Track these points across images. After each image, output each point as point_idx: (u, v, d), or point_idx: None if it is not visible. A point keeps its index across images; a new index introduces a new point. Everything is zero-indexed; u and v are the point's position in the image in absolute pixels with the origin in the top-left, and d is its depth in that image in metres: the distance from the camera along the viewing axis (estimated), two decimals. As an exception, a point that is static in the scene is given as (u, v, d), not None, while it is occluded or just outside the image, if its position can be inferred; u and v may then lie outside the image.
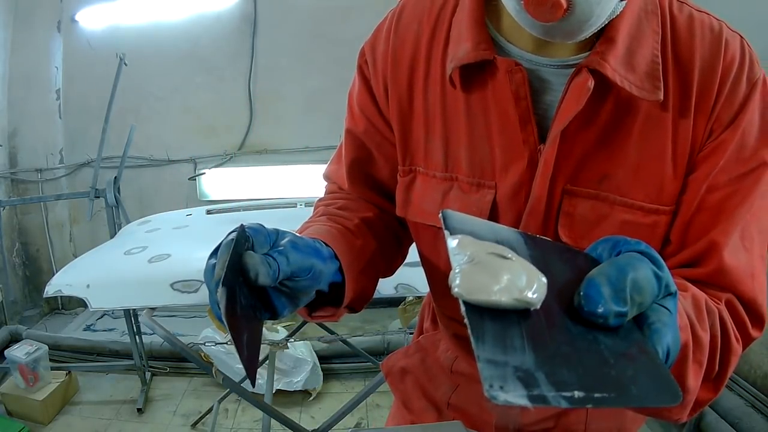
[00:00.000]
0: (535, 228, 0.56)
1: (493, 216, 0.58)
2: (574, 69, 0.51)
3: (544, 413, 0.71)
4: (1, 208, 2.61)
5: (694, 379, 0.44)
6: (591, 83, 0.49)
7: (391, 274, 0.74)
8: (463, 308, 0.34)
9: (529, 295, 0.34)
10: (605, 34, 0.50)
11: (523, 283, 0.35)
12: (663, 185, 0.53)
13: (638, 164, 0.53)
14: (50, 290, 1.26)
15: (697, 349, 0.44)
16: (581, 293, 0.35)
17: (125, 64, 2.44)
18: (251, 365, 0.45)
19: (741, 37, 0.53)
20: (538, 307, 0.35)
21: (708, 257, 0.52)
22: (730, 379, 2.17)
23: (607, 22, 0.49)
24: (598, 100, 0.51)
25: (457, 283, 0.35)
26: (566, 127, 0.52)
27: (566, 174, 0.54)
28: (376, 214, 0.69)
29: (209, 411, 2.27)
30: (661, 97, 0.50)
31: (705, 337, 0.45)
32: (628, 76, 0.49)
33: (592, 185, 0.54)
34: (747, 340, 0.51)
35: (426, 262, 0.72)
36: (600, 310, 0.34)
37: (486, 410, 0.73)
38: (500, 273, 0.35)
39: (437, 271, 0.70)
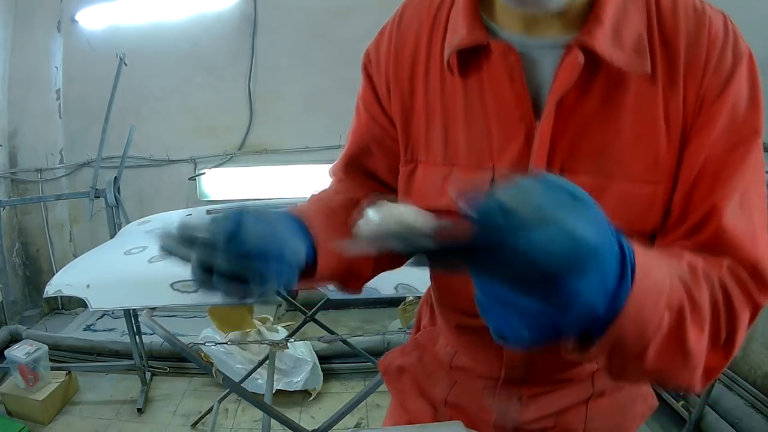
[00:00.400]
0: None
1: None
2: (564, 49, 0.54)
3: (543, 411, 0.71)
4: (1, 208, 2.61)
5: (696, 342, 0.45)
6: (581, 58, 0.52)
7: (399, 265, 0.74)
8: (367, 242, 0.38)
9: (419, 225, 0.37)
10: (592, 15, 0.53)
11: (415, 219, 0.38)
12: (658, 156, 0.55)
13: (633, 137, 0.54)
14: (50, 290, 1.26)
15: (695, 311, 0.45)
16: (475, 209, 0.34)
17: (125, 64, 2.44)
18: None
19: (724, 14, 0.55)
20: (427, 233, 0.35)
21: (707, 222, 0.53)
22: (730, 378, 2.17)
23: (593, 3, 0.53)
24: (589, 77, 0.54)
25: (360, 222, 0.39)
26: (561, 104, 0.54)
27: (564, 151, 0.56)
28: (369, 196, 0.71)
29: (209, 411, 2.27)
30: (649, 70, 0.52)
31: (703, 300, 0.46)
32: (616, 52, 0.52)
33: (589, 160, 0.56)
34: (754, 306, 0.51)
35: None
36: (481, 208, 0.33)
37: (484, 408, 0.74)
38: (397, 215, 0.39)
39: None
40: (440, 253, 0.34)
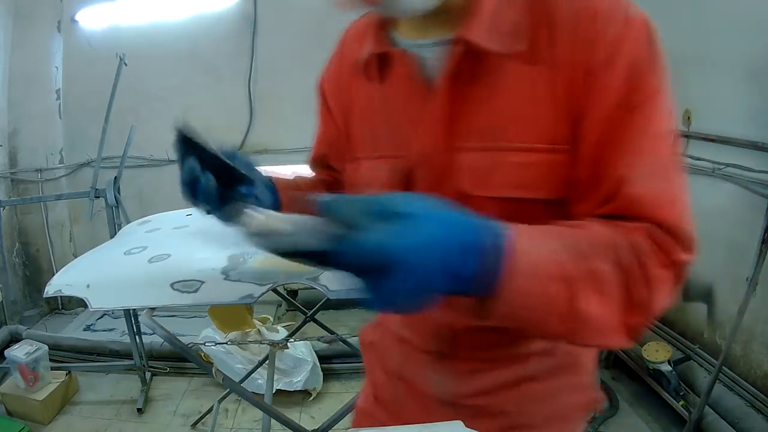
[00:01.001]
0: (439, 183, 0.64)
1: (410, 180, 0.67)
2: (449, 44, 0.61)
3: (476, 388, 0.74)
4: (1, 208, 2.61)
5: (595, 307, 0.50)
6: (460, 48, 0.59)
7: None
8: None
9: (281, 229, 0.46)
10: (469, 11, 0.59)
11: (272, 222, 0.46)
12: (546, 127, 0.58)
13: (518, 112, 0.59)
14: (50, 290, 1.25)
15: (592, 279, 0.50)
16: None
17: (125, 64, 2.44)
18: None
19: None
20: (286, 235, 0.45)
21: (617, 191, 0.55)
22: (730, 378, 2.16)
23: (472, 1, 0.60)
24: (473, 65, 0.60)
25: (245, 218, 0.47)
26: (452, 91, 0.61)
27: (459, 133, 0.62)
28: (335, 178, 0.87)
29: (209, 411, 2.27)
30: (519, 48, 0.58)
31: (603, 267, 0.50)
32: (491, 39, 0.58)
33: (483, 138, 0.61)
34: (677, 265, 0.53)
35: None
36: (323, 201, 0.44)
37: (427, 381, 0.78)
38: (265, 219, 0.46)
39: None
40: (291, 255, 0.44)
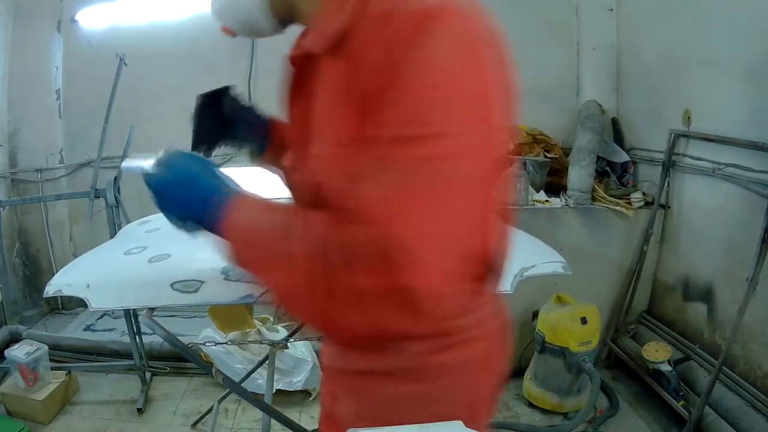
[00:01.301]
0: (302, 167, 0.72)
1: (295, 163, 0.78)
2: None
3: (345, 363, 0.76)
4: (1, 208, 2.61)
5: (283, 281, 0.60)
6: (294, 54, 0.71)
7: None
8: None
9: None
10: (311, 23, 0.70)
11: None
12: (346, 122, 0.59)
13: (328, 109, 0.64)
14: (50, 290, 1.25)
15: (282, 257, 0.59)
16: None
17: (125, 64, 2.44)
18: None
19: None
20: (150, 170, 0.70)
21: (348, 190, 0.56)
22: (730, 378, 2.15)
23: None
24: (309, 68, 0.68)
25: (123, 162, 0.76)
26: (301, 88, 0.71)
27: (308, 125, 0.68)
28: None
29: (209, 411, 2.27)
30: (321, 48, 0.63)
31: (300, 253, 0.57)
32: (316, 43, 0.64)
33: (316, 131, 0.67)
34: (395, 281, 0.51)
35: None
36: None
37: (324, 348, 0.86)
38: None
39: None
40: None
